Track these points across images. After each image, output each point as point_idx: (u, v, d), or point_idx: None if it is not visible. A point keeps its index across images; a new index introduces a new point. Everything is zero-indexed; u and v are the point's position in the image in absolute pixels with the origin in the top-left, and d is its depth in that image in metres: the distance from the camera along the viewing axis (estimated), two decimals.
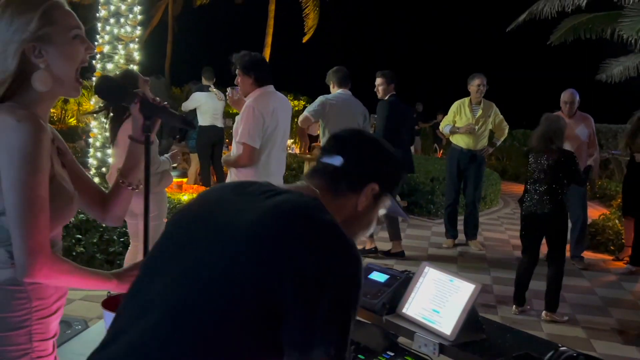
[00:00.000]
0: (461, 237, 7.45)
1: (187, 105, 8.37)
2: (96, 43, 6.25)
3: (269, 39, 24.92)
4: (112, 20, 6.18)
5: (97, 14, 6.29)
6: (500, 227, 8.85)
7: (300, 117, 5.85)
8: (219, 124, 8.63)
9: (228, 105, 6.83)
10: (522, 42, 19.85)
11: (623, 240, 7.11)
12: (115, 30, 6.17)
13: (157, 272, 1.27)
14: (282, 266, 1.14)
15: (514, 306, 5.06)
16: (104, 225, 5.33)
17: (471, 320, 1.82)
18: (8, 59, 1.52)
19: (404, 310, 1.95)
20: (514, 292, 5.09)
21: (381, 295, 2.00)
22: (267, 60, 19.16)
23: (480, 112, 6.92)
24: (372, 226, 1.48)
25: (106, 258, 5.28)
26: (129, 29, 6.24)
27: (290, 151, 13.10)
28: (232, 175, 4.23)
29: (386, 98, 6.48)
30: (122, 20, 6.21)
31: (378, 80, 6.49)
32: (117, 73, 5.47)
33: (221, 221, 1.26)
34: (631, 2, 8.87)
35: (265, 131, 4.01)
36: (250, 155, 3.97)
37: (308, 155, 9.21)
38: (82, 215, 5.46)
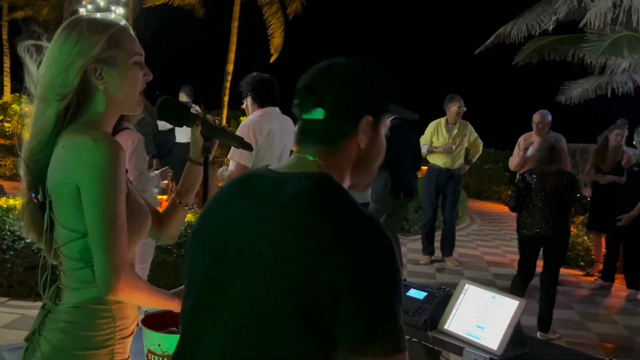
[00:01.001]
0: (437, 253, 7.60)
1: (165, 125, 8.29)
2: None
3: (231, 56, 24.90)
4: None
5: None
6: (472, 243, 9.05)
7: None
8: None
9: None
10: (490, 65, 20.42)
11: (593, 256, 7.36)
12: None
13: (202, 318, 1.23)
14: (317, 279, 1.08)
15: None
16: None
17: (516, 335, 1.90)
18: (70, 76, 1.54)
19: (446, 327, 2.02)
20: None
21: (422, 312, 2.07)
22: (230, 76, 18.81)
23: (456, 131, 7.11)
24: (384, 151, 1.34)
25: None
26: None
27: None
28: None
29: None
30: None
31: None
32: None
33: (245, 245, 1.18)
34: (596, 27, 9.25)
35: (258, 151, 4.03)
36: (242, 173, 4.01)
37: None
38: None
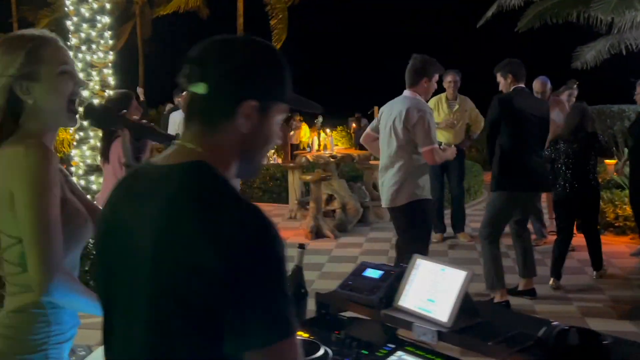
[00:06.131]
0: (449, 230, 7.55)
1: (170, 131, 8.37)
2: None
3: None
4: (83, 48, 6.22)
5: (68, 43, 6.31)
6: None
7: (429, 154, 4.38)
8: None
9: None
10: (493, 38, 20.11)
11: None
12: (88, 57, 6.20)
13: (112, 327, 1.25)
14: (197, 274, 1.07)
15: (552, 280, 5.48)
16: (94, 252, 5.35)
17: (466, 305, 1.88)
18: None
19: (400, 303, 2.01)
20: (551, 268, 5.52)
21: (377, 290, 2.05)
22: None
23: (457, 106, 7.05)
24: (273, 140, 1.29)
25: None
26: (101, 54, 6.27)
27: (272, 161, 13.18)
28: None
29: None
30: (93, 46, 6.24)
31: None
32: (112, 94, 5.42)
33: (131, 247, 1.18)
34: None
35: None
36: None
37: (291, 164, 9.29)
38: None
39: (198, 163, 1.19)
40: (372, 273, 2.15)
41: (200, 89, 1.20)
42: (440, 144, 6.79)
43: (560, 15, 11.42)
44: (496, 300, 4.95)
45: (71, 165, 6.69)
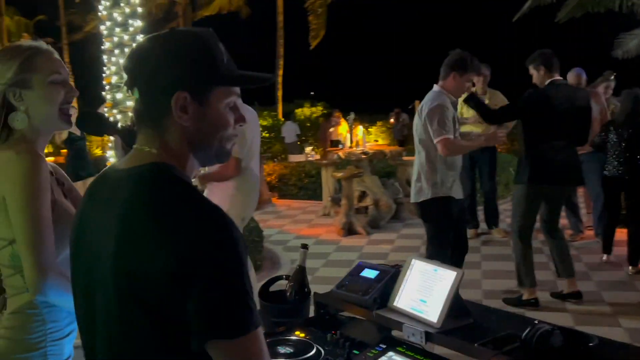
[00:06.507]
0: (483, 226, 7.46)
1: None
2: (104, 74, 6.43)
3: (281, 50, 25.16)
4: (116, 51, 6.36)
5: (102, 47, 6.48)
6: None
7: (442, 145, 4.20)
8: None
9: None
10: (530, 32, 19.69)
11: None
12: (121, 60, 6.34)
13: (86, 334, 1.29)
14: (154, 276, 1.09)
15: (604, 255, 6.00)
16: None
17: (456, 306, 1.88)
18: None
19: (394, 304, 2.01)
20: (603, 245, 6.02)
21: (372, 291, 2.06)
22: (281, 71, 19.25)
23: (487, 101, 6.94)
24: (224, 126, 1.27)
25: None
26: None
27: (310, 158, 13.22)
28: (213, 191, 4.23)
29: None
30: (126, 50, 6.38)
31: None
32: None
33: (95, 251, 1.21)
34: None
35: (248, 141, 3.99)
36: (237, 166, 3.97)
37: (324, 161, 9.33)
38: None
39: (153, 165, 1.21)
40: (369, 273, 2.16)
41: (135, 93, 1.24)
42: (461, 115, 6.74)
43: (602, 4, 11.10)
44: (524, 297, 4.87)
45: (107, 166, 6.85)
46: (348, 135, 9.60)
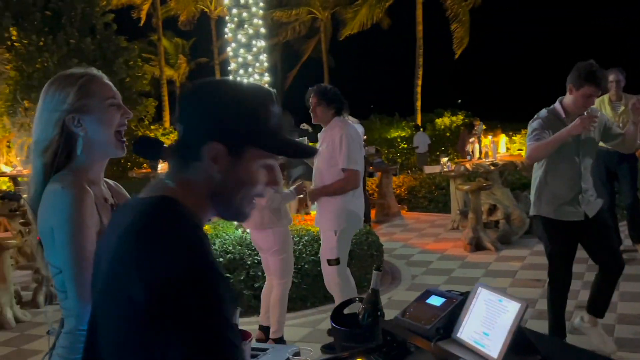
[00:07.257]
0: (627, 242, 6.83)
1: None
2: None
3: (420, 60, 24.95)
4: (241, 71, 6.61)
5: (228, 68, 6.78)
6: None
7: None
8: None
9: None
10: None
11: None
12: (245, 80, 6.60)
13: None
14: (134, 307, 1.10)
15: None
16: (249, 262, 5.68)
17: (519, 341, 1.71)
18: (49, 128, 1.77)
19: (458, 335, 1.87)
20: None
21: (435, 320, 1.94)
22: (419, 80, 19.39)
23: (622, 107, 6.36)
24: (251, 186, 1.26)
25: (253, 294, 5.57)
26: (257, 77, 6.63)
27: (446, 169, 12.87)
28: (324, 205, 4.35)
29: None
30: (250, 69, 6.62)
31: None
32: None
33: (105, 275, 1.23)
34: None
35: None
36: (357, 179, 4.14)
37: (452, 173, 9.04)
38: (230, 255, 5.82)
39: (163, 197, 1.22)
40: (435, 300, 2.03)
41: (178, 127, 1.27)
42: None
43: None
44: None
45: None
46: (476, 147, 9.22)
